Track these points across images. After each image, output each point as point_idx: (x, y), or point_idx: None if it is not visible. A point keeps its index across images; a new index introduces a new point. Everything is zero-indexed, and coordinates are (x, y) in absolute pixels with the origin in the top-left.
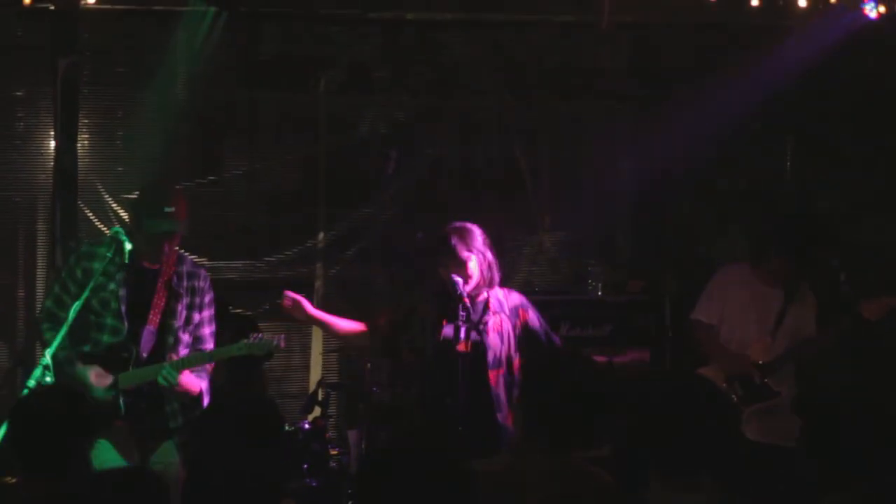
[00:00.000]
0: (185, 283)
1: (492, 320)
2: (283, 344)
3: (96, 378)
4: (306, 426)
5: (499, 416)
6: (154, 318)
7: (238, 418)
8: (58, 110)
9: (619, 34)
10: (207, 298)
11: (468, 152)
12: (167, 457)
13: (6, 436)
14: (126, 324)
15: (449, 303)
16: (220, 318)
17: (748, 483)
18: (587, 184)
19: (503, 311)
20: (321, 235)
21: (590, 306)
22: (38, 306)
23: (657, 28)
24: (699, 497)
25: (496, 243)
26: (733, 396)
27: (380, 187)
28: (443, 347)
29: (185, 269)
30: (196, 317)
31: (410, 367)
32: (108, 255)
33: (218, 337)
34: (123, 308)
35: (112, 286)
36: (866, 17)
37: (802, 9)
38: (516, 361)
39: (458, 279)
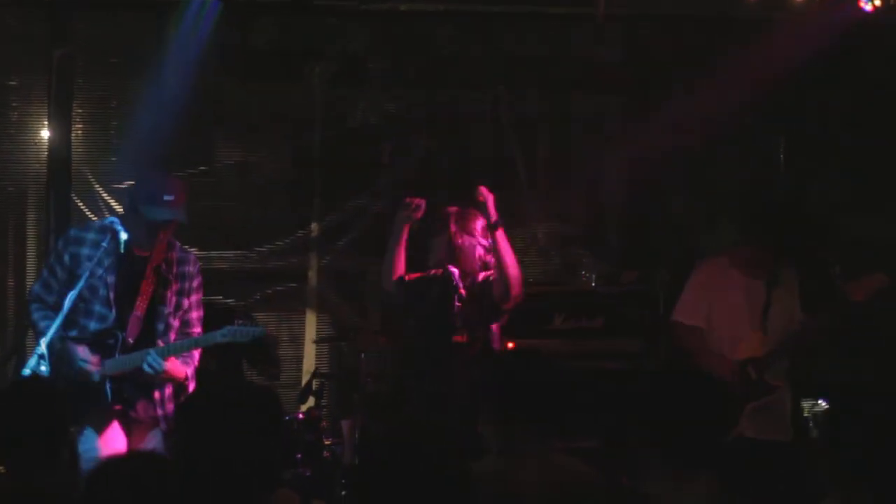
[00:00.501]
0: (174, 270)
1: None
2: (268, 331)
3: (86, 355)
4: (300, 416)
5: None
6: (141, 305)
7: (225, 405)
8: (51, 100)
9: (613, 27)
10: (196, 283)
11: (461, 143)
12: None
13: None
14: (114, 311)
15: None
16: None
17: (745, 480)
18: (580, 176)
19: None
20: (314, 226)
21: (583, 297)
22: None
23: (651, 21)
24: (697, 490)
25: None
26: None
27: (373, 178)
28: (434, 334)
29: (174, 255)
30: (185, 302)
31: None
32: (104, 244)
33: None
34: (112, 295)
35: (100, 272)
36: (861, 10)
37: (798, 2)
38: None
39: (455, 270)
